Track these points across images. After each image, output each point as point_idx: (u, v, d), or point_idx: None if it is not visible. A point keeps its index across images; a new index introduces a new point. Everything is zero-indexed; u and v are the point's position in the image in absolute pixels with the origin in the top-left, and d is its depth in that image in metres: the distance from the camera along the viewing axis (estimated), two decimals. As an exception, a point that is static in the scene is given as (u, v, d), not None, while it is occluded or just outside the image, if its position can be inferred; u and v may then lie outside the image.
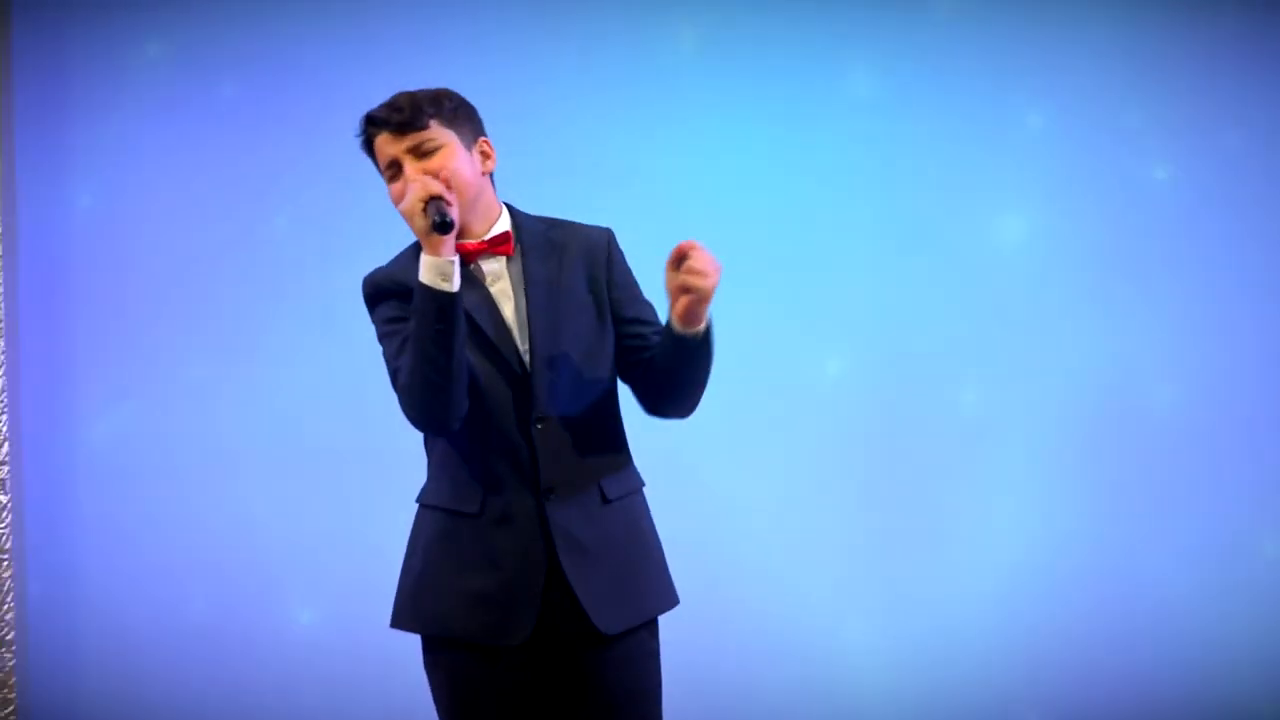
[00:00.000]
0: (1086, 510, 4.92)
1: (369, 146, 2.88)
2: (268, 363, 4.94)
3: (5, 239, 4.77)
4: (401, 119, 2.81)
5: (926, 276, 4.89)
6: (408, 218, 2.76)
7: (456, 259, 2.76)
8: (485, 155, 2.89)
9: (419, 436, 2.92)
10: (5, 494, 4.72)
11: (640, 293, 2.98)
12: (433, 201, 2.72)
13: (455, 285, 2.74)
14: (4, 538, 4.72)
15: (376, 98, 2.88)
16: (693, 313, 2.77)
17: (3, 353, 4.73)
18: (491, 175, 2.90)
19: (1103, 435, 4.94)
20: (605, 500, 2.93)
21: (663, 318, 2.88)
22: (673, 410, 2.96)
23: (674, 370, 2.86)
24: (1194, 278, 4.93)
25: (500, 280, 2.90)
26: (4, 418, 4.69)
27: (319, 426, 4.88)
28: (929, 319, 4.91)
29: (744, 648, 4.90)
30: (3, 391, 4.72)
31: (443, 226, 2.70)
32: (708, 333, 2.84)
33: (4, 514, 4.70)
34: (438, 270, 2.73)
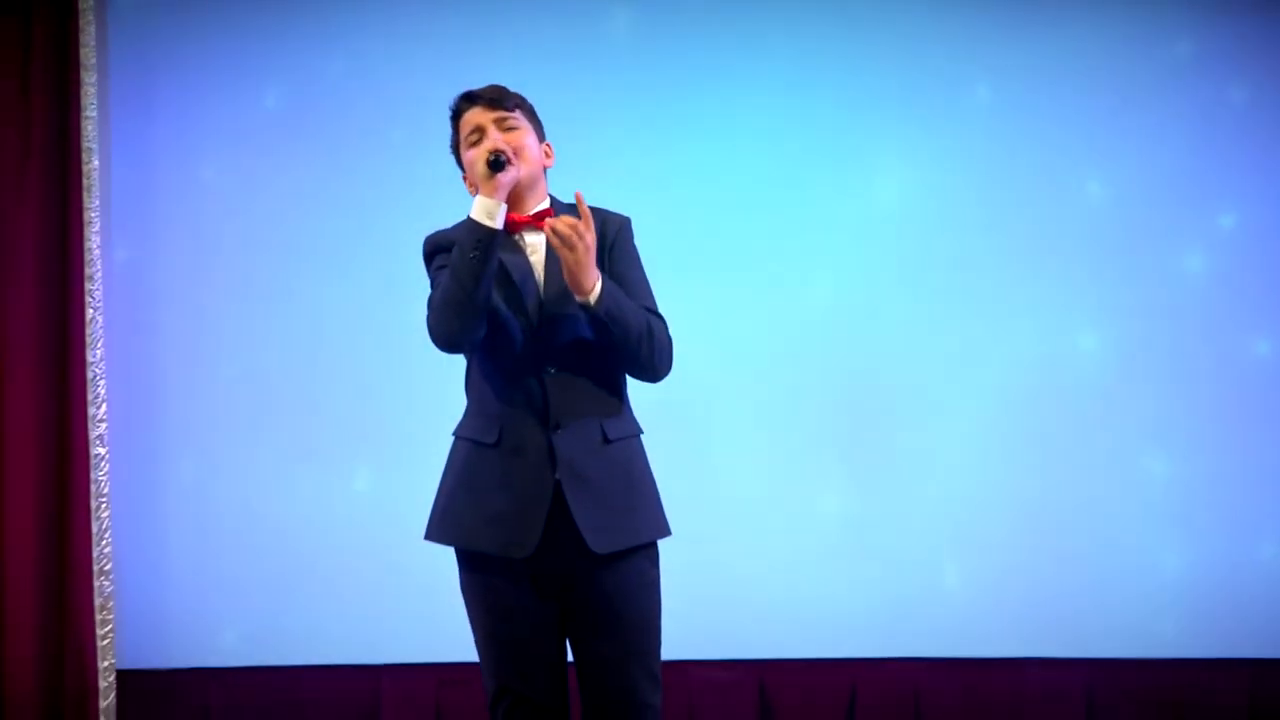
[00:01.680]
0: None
1: (456, 119, 3.26)
2: (328, 354, 5.39)
3: (103, 235, 5.25)
4: (494, 96, 3.23)
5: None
6: (471, 165, 3.15)
7: (504, 206, 3.10)
8: (547, 154, 3.30)
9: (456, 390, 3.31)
10: (104, 446, 5.21)
11: (636, 275, 3.29)
12: (494, 152, 3.10)
13: (498, 225, 3.08)
14: (103, 483, 5.21)
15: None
16: (572, 277, 3.09)
17: (102, 332, 5.23)
18: (545, 171, 3.29)
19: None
20: (606, 440, 3.20)
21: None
22: (631, 372, 3.27)
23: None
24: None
25: (537, 252, 3.23)
26: (103, 382, 5.20)
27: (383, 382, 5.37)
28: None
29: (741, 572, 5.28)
30: (101, 361, 5.22)
31: (496, 164, 3.08)
32: (602, 306, 3.11)
33: (103, 464, 5.20)
34: (485, 210, 3.09)
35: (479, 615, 3.25)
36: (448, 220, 3.31)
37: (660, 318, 3.28)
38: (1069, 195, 5.36)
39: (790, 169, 5.35)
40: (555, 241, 3.06)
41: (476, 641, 3.27)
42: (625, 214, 3.34)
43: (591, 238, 3.09)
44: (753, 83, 5.36)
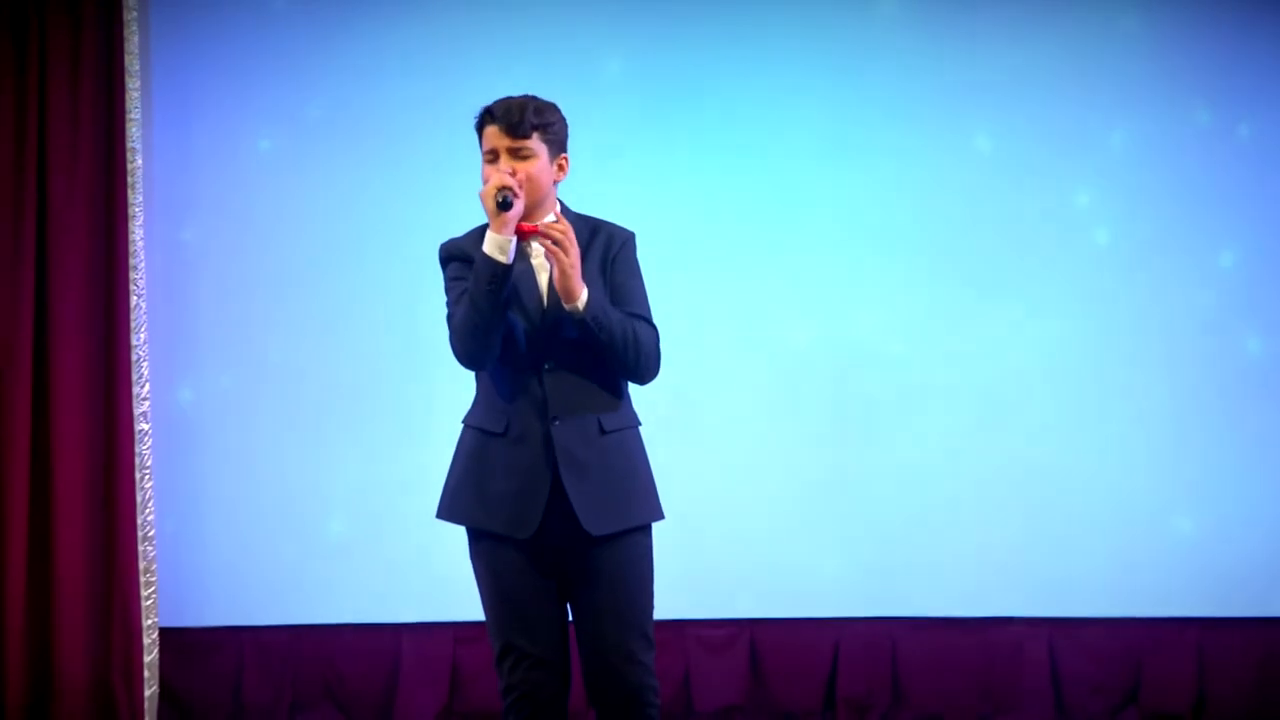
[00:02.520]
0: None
1: (479, 130, 3.36)
2: (350, 340, 5.76)
3: (145, 229, 5.63)
4: (512, 122, 3.30)
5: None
6: (484, 199, 3.25)
7: (514, 240, 3.25)
8: (560, 168, 3.40)
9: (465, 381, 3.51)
10: (147, 423, 5.58)
11: (634, 285, 3.44)
12: (502, 190, 3.23)
13: (508, 260, 3.24)
14: (146, 456, 5.57)
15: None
16: (562, 283, 3.26)
17: (145, 318, 5.58)
18: (556, 184, 3.40)
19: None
20: (603, 431, 3.37)
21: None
22: (619, 374, 3.42)
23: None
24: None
25: (540, 257, 3.38)
26: (146, 364, 5.57)
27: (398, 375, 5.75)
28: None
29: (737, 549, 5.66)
30: (144, 345, 5.58)
31: (504, 205, 3.22)
32: (589, 313, 3.27)
33: (146, 438, 5.58)
34: (497, 245, 3.25)
35: (486, 582, 3.44)
36: (471, 219, 3.54)
37: (652, 326, 3.45)
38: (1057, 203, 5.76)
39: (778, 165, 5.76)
40: (548, 245, 3.24)
41: (484, 604, 3.45)
42: (630, 229, 3.50)
43: (575, 251, 3.27)
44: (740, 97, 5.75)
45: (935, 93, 5.74)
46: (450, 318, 3.37)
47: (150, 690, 5.57)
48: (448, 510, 3.46)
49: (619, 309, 3.38)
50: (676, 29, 5.78)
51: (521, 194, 3.26)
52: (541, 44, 5.72)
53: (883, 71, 5.74)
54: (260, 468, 5.78)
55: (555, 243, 3.25)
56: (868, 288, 5.76)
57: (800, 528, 5.70)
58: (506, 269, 3.25)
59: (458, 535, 3.54)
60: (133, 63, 5.55)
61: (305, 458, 5.78)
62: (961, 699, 5.72)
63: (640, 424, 3.51)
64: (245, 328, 5.80)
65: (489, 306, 3.26)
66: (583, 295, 3.28)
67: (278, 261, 5.80)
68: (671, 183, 5.73)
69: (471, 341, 3.30)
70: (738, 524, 5.71)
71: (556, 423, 3.33)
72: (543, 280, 3.37)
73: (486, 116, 3.35)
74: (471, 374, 3.49)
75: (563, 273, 3.25)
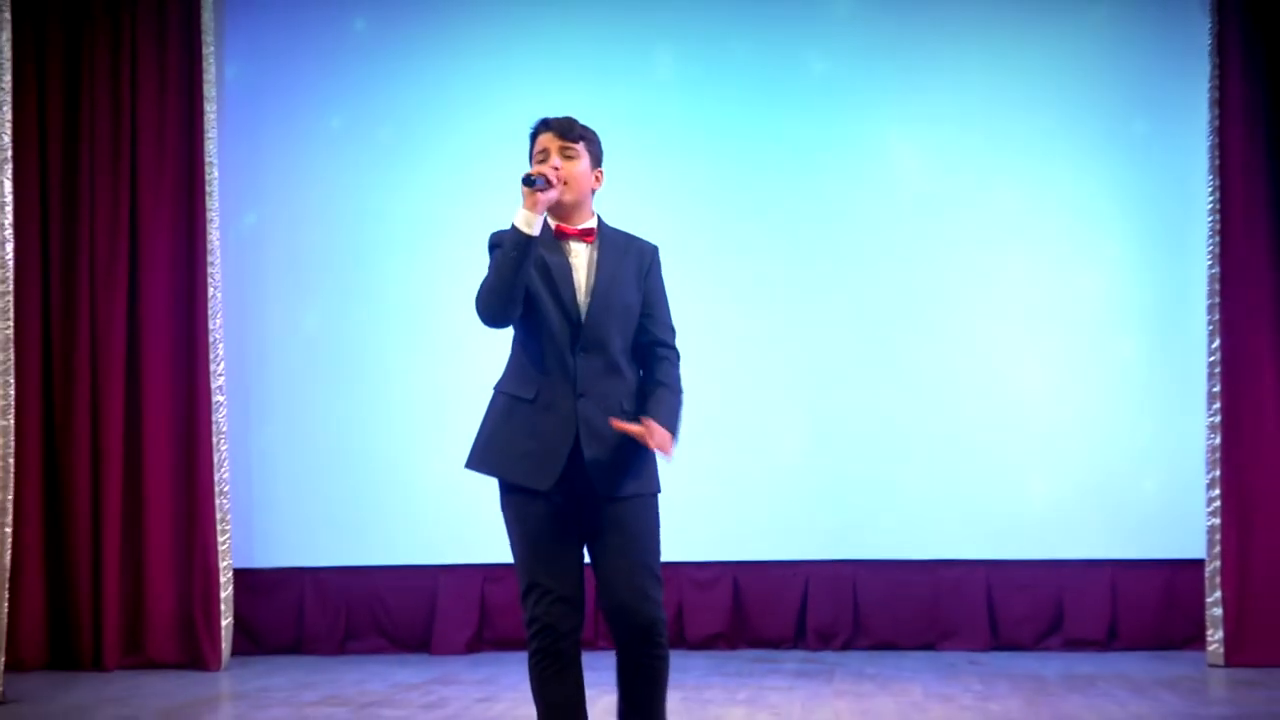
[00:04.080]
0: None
1: (533, 139, 3.60)
2: (393, 319, 6.52)
3: (221, 230, 6.41)
4: (564, 128, 3.58)
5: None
6: (523, 180, 3.46)
7: (541, 218, 3.44)
8: (598, 179, 3.64)
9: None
10: (222, 395, 6.35)
11: (660, 297, 3.65)
12: (539, 174, 3.45)
13: (534, 232, 3.44)
14: (222, 423, 6.33)
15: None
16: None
17: (220, 305, 6.34)
18: (594, 192, 3.64)
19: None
20: (623, 410, 3.55)
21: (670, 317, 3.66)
22: None
23: None
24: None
25: (578, 257, 3.60)
26: (221, 344, 6.33)
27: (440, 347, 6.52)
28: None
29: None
30: (220, 328, 6.32)
31: (528, 181, 3.43)
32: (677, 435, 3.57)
33: (222, 408, 6.34)
34: (525, 219, 3.45)
35: (515, 528, 3.61)
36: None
37: (673, 350, 3.68)
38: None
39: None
40: (647, 442, 3.51)
41: (512, 548, 3.61)
42: (654, 243, 3.71)
43: (659, 439, 3.51)
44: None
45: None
46: (480, 285, 3.60)
47: (226, 621, 6.37)
48: (476, 462, 3.63)
49: (652, 319, 3.66)
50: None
51: (560, 185, 3.51)
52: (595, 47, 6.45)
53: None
54: (317, 434, 6.57)
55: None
56: (828, 277, 6.50)
57: (776, 486, 6.44)
58: (530, 240, 3.46)
59: (486, 492, 3.65)
60: (210, 89, 6.37)
61: (355, 424, 6.55)
62: (911, 628, 6.48)
63: None
64: (306, 311, 6.58)
65: (511, 271, 3.46)
66: (674, 440, 3.57)
67: (331, 256, 6.60)
68: (665, 179, 6.43)
69: (492, 299, 3.50)
70: (722, 483, 6.42)
71: (583, 398, 3.54)
72: (579, 277, 3.60)
73: (542, 125, 3.63)
74: (499, 348, 3.65)
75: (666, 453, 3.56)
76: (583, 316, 3.56)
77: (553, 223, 3.61)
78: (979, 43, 6.52)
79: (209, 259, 6.37)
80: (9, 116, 5.87)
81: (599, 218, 3.66)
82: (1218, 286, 6.11)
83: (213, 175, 6.37)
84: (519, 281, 3.47)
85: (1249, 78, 6.13)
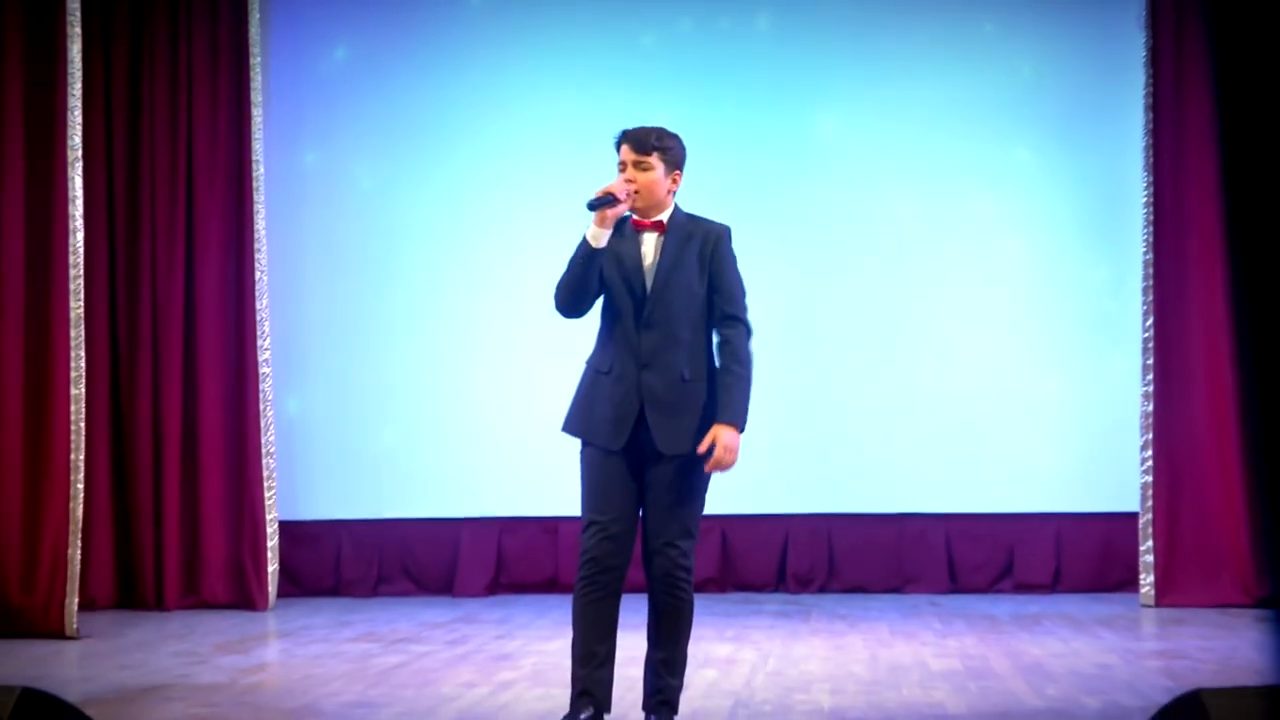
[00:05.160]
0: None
1: (618, 146, 3.95)
2: (430, 298, 7.05)
3: (267, 220, 6.99)
4: (639, 142, 3.91)
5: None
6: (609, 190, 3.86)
7: (608, 232, 3.84)
8: (675, 180, 3.97)
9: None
10: (269, 367, 6.94)
11: (730, 274, 3.94)
12: (607, 194, 3.83)
13: (598, 245, 3.86)
14: (268, 393, 6.92)
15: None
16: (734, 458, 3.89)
17: (266, 287, 6.92)
18: (671, 192, 3.96)
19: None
20: (684, 380, 3.93)
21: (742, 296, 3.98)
22: None
23: None
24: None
25: (648, 245, 3.98)
26: (268, 323, 6.93)
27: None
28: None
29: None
30: (266, 308, 6.91)
31: (593, 204, 3.81)
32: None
33: (268, 379, 6.95)
34: (593, 235, 3.87)
35: (585, 475, 4.02)
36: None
37: (743, 325, 3.98)
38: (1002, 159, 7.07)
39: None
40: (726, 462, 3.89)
41: (581, 491, 4.01)
42: (725, 224, 4.04)
43: (728, 459, 3.89)
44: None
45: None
46: (557, 282, 4.04)
47: (272, 567, 6.98)
48: (568, 425, 4.06)
49: (720, 296, 3.97)
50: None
51: (625, 197, 3.88)
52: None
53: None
54: (352, 402, 7.17)
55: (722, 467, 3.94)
56: (809, 246, 7.03)
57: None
58: (595, 252, 3.90)
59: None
60: (256, 95, 6.99)
61: (388, 392, 7.13)
62: (879, 574, 7.03)
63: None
64: (341, 290, 7.18)
65: (580, 275, 3.92)
66: (738, 430, 3.94)
67: (367, 240, 7.19)
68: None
69: (565, 295, 3.96)
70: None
71: (646, 369, 3.93)
72: (646, 263, 3.98)
73: (623, 137, 3.99)
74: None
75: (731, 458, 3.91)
76: (646, 297, 3.93)
77: (635, 216, 3.98)
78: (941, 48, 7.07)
79: (255, 246, 6.95)
80: (79, 120, 6.41)
81: (676, 208, 4.01)
82: (1151, 271, 6.64)
83: (259, 173, 6.95)
84: (585, 282, 3.90)
85: (1179, 88, 6.65)
